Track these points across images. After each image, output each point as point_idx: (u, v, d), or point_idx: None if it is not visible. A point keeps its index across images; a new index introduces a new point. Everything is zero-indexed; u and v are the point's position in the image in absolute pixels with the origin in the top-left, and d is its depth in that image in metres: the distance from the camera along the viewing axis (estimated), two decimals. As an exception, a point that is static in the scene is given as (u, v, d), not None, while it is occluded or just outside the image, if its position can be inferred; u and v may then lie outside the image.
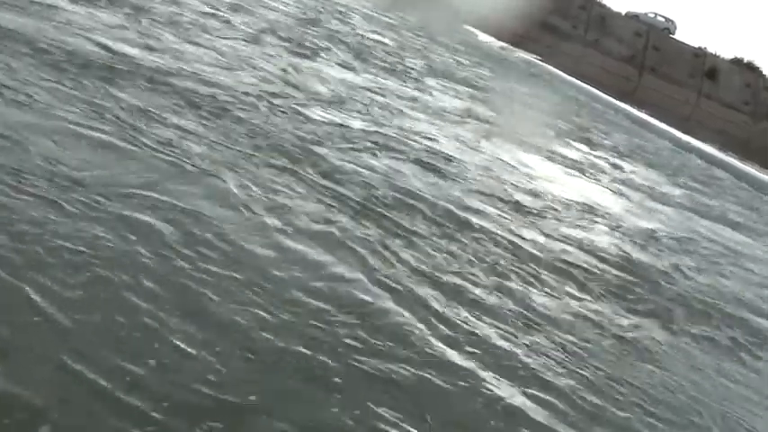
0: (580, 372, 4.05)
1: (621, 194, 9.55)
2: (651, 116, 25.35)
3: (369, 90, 9.36)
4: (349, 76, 9.91)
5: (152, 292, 3.20)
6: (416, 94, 10.57)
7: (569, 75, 28.43)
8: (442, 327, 3.87)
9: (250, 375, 2.95)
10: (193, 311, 3.18)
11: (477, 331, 3.97)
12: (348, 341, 3.40)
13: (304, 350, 3.21)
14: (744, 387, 4.90)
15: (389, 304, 3.88)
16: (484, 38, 31.13)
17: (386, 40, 16.02)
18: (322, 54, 10.96)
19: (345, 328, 3.49)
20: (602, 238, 6.94)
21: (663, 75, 40.72)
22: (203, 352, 2.95)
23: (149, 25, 8.08)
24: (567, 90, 23.93)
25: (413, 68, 13.12)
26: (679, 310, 5.80)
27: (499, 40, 31.53)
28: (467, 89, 12.97)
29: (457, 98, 11.66)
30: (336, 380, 3.10)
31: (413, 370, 3.38)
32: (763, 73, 50.67)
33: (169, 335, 2.98)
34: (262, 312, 3.36)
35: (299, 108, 7.12)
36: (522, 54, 29.32)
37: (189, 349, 2.94)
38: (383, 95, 9.36)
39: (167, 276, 3.36)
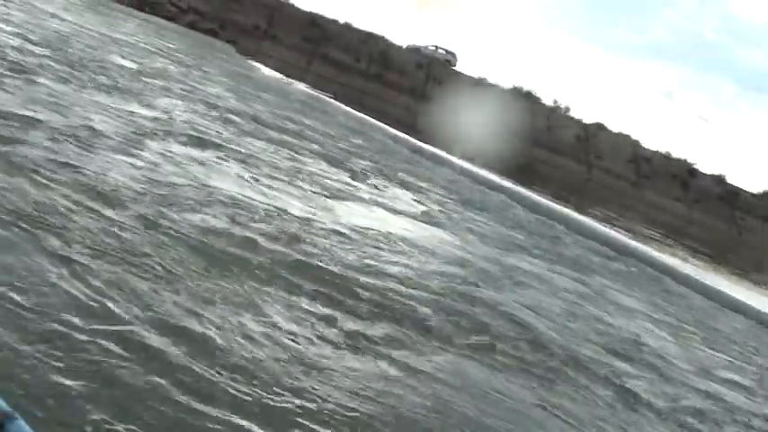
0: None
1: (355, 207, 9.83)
2: (423, 142, 26.50)
3: (77, 105, 9.05)
4: (62, 89, 9.53)
5: None
6: (139, 110, 10.38)
7: (350, 106, 29.34)
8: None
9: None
10: None
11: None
12: None
13: None
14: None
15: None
16: (266, 71, 31.50)
17: (134, 66, 15.68)
18: (42, 74, 10.48)
19: None
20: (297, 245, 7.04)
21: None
22: None
23: None
24: (342, 119, 24.63)
25: (152, 91, 12.91)
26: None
27: (281, 73, 32.03)
28: (208, 110, 12.96)
29: (191, 115, 11.61)
30: None
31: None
32: (541, 101, 55.18)
33: None
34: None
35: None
36: (300, 86, 29.92)
37: None
38: (90, 107, 9.10)
39: None
